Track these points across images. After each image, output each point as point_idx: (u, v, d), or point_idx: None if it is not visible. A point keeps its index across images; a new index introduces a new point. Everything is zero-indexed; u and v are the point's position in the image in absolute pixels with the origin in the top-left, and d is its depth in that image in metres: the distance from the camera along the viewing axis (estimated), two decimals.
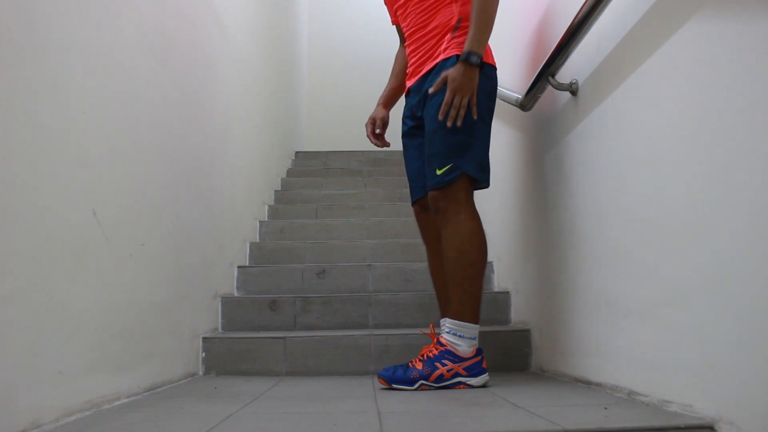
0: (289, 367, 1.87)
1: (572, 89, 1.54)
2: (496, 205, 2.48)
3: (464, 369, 1.52)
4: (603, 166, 1.39)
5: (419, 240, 2.83)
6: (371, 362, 1.87)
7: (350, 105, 5.82)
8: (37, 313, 1.04)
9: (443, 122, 1.57)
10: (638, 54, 1.21)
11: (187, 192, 1.82)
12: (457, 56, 1.57)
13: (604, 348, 1.39)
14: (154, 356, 1.54)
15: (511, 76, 2.15)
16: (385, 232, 3.01)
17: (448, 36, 1.63)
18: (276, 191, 3.64)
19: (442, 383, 1.51)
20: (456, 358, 1.52)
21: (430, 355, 1.53)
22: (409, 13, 1.72)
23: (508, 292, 2.27)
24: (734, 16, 0.94)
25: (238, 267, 2.49)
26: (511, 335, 1.94)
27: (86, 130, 1.21)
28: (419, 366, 1.52)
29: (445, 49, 1.63)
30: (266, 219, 3.23)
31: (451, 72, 1.55)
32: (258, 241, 2.96)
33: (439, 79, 1.58)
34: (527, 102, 1.80)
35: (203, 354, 1.89)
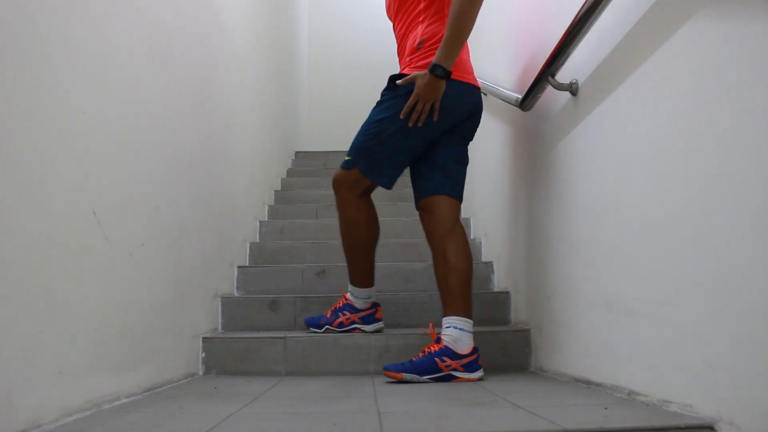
0: (289, 367, 1.87)
1: (572, 89, 1.54)
2: (496, 206, 2.48)
3: (360, 318, 1.94)
4: (603, 166, 1.39)
5: (419, 240, 2.84)
6: (371, 362, 1.87)
7: (350, 105, 5.81)
8: (37, 313, 1.04)
9: (372, 117, 1.80)
10: (638, 54, 1.21)
11: (187, 192, 1.82)
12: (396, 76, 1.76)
13: (604, 348, 1.39)
14: (154, 356, 1.53)
15: (511, 76, 2.15)
16: (385, 232, 2.98)
17: (409, 58, 1.80)
18: (276, 191, 3.64)
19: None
20: (354, 309, 1.95)
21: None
22: (396, 36, 1.90)
23: (508, 292, 2.27)
24: (734, 16, 0.94)
25: (238, 267, 2.49)
26: (511, 335, 1.94)
27: (86, 130, 1.21)
28: (327, 314, 1.97)
29: (402, 69, 1.81)
30: (266, 219, 3.23)
31: (420, 77, 1.67)
32: (258, 241, 2.96)
33: (409, 77, 1.70)
34: (527, 102, 1.80)
35: (203, 354, 1.89)
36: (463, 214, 3.27)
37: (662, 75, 1.14)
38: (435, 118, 1.71)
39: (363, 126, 1.83)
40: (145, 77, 1.51)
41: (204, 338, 1.91)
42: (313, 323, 2.02)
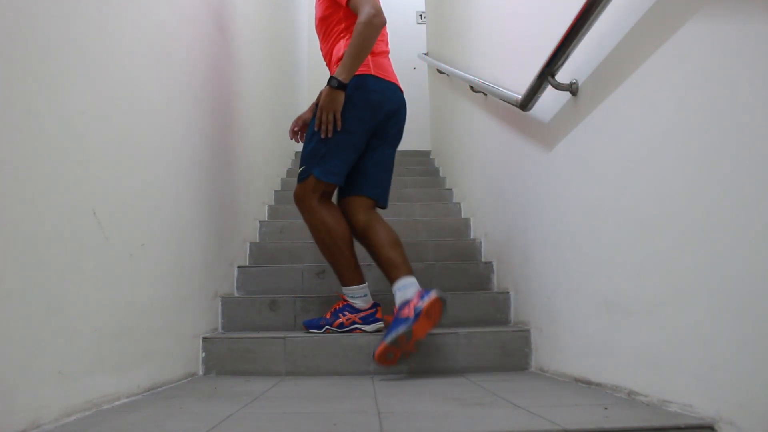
0: (289, 367, 1.87)
1: (572, 89, 1.54)
2: (496, 206, 2.48)
3: (360, 318, 2.01)
4: (602, 166, 1.39)
5: (418, 240, 2.85)
6: (371, 362, 1.87)
7: None
8: (37, 313, 1.04)
9: (310, 132, 2.01)
10: (638, 54, 1.22)
11: (187, 192, 1.82)
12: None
13: (604, 348, 1.39)
14: (154, 356, 1.53)
15: (511, 76, 2.15)
16: None
17: (336, 66, 2.00)
18: (276, 191, 3.65)
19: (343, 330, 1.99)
20: (354, 309, 2.02)
21: (337, 307, 2.03)
22: (323, 49, 2.15)
23: (508, 292, 2.27)
24: (734, 16, 0.94)
25: (238, 267, 2.49)
26: (511, 335, 1.94)
27: (86, 130, 1.21)
28: (327, 316, 2.05)
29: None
30: (266, 219, 3.23)
31: (322, 91, 1.91)
32: (258, 241, 2.96)
33: (317, 97, 2.00)
34: (527, 102, 1.80)
35: (203, 354, 1.89)
36: (463, 214, 3.29)
37: (662, 75, 1.14)
38: (338, 128, 1.92)
39: (306, 138, 2.04)
40: (145, 77, 1.51)
41: (204, 338, 1.91)
42: (312, 325, 2.04)
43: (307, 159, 2.00)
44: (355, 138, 1.97)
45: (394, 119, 2.05)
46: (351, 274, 2.02)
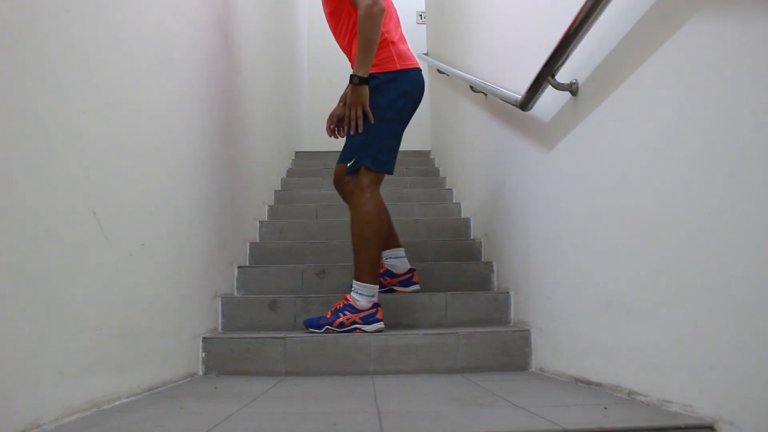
0: (289, 367, 1.87)
1: (572, 89, 1.54)
2: (496, 206, 2.48)
3: (361, 318, 1.98)
4: (603, 166, 1.39)
5: (419, 240, 2.85)
6: (371, 362, 1.87)
7: None
8: (37, 313, 1.04)
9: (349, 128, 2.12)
10: (638, 54, 1.22)
11: (187, 192, 1.82)
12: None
13: (604, 348, 1.39)
14: (154, 356, 1.53)
15: (511, 76, 2.15)
16: None
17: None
18: (276, 191, 3.65)
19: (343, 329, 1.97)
20: (355, 309, 1.99)
21: (338, 306, 2.02)
22: (341, 43, 2.22)
23: (508, 292, 2.27)
24: (734, 16, 0.94)
25: (238, 267, 2.49)
26: (511, 335, 1.94)
27: (86, 130, 1.21)
28: (327, 315, 2.02)
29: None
30: (266, 219, 3.23)
31: (346, 91, 2.07)
32: (258, 241, 2.96)
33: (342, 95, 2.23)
34: (527, 102, 1.80)
35: (203, 354, 1.89)
36: (463, 214, 3.29)
37: (663, 75, 1.14)
38: (372, 120, 2.03)
39: (348, 131, 2.11)
40: (145, 77, 1.51)
41: (204, 338, 1.91)
42: (313, 324, 2.04)
43: (355, 151, 2.08)
44: (396, 126, 2.10)
45: (419, 101, 2.18)
46: (369, 271, 2.03)
